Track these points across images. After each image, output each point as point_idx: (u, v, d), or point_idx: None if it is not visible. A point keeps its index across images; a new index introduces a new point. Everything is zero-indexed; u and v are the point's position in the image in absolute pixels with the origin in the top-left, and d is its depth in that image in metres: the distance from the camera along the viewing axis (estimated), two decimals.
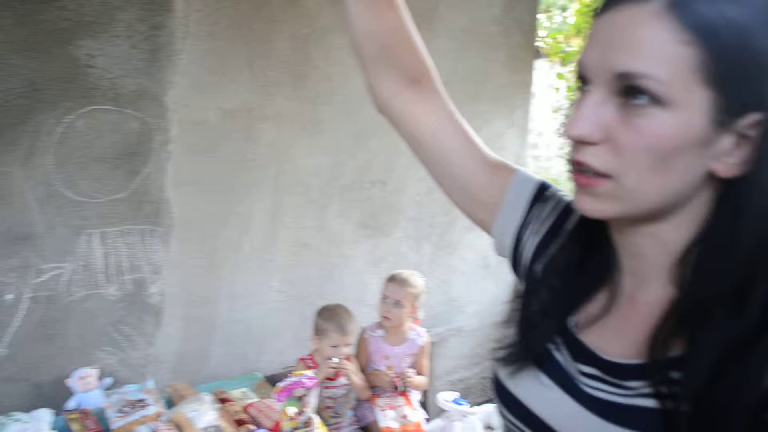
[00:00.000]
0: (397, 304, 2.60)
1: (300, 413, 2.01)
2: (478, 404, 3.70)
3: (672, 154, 0.58)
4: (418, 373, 2.77)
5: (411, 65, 0.85)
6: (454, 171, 0.85)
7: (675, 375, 0.61)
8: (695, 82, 0.56)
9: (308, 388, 2.04)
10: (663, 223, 0.64)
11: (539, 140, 10.40)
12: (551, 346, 0.74)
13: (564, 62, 4.56)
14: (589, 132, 0.59)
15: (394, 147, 3.04)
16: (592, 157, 0.60)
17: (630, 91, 0.58)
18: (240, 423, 2.04)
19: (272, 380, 2.64)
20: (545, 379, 0.73)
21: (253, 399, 2.27)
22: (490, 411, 3.23)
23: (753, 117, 0.57)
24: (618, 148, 0.59)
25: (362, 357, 2.74)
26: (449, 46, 3.19)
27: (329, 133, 2.79)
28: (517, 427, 0.75)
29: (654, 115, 0.57)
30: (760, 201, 0.59)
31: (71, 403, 2.22)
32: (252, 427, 2.04)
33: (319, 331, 2.47)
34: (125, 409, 2.09)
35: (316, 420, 2.06)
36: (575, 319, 0.73)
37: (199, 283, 2.54)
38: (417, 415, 2.71)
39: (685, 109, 0.57)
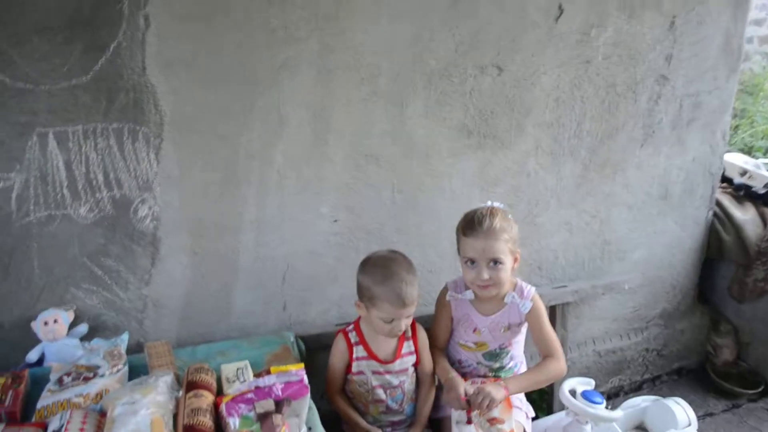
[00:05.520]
0: (496, 263, 1.70)
1: None
2: (635, 384, 2.73)
3: None
4: (546, 354, 1.87)
5: None
6: None
7: None
8: None
9: (287, 400, 1.25)
10: None
11: None
12: None
13: None
14: None
15: (518, 14, 2.01)
16: None
17: None
18: (192, 430, 1.34)
19: (312, 342, 1.92)
20: None
21: (248, 381, 1.54)
22: (644, 406, 2.24)
23: None
24: None
25: (442, 327, 1.92)
26: None
27: None
28: None
29: None
30: None
31: (33, 355, 1.72)
32: None
33: (364, 297, 1.68)
34: (66, 378, 1.50)
35: None
36: None
37: (211, 206, 1.84)
38: (517, 415, 1.84)
39: None
